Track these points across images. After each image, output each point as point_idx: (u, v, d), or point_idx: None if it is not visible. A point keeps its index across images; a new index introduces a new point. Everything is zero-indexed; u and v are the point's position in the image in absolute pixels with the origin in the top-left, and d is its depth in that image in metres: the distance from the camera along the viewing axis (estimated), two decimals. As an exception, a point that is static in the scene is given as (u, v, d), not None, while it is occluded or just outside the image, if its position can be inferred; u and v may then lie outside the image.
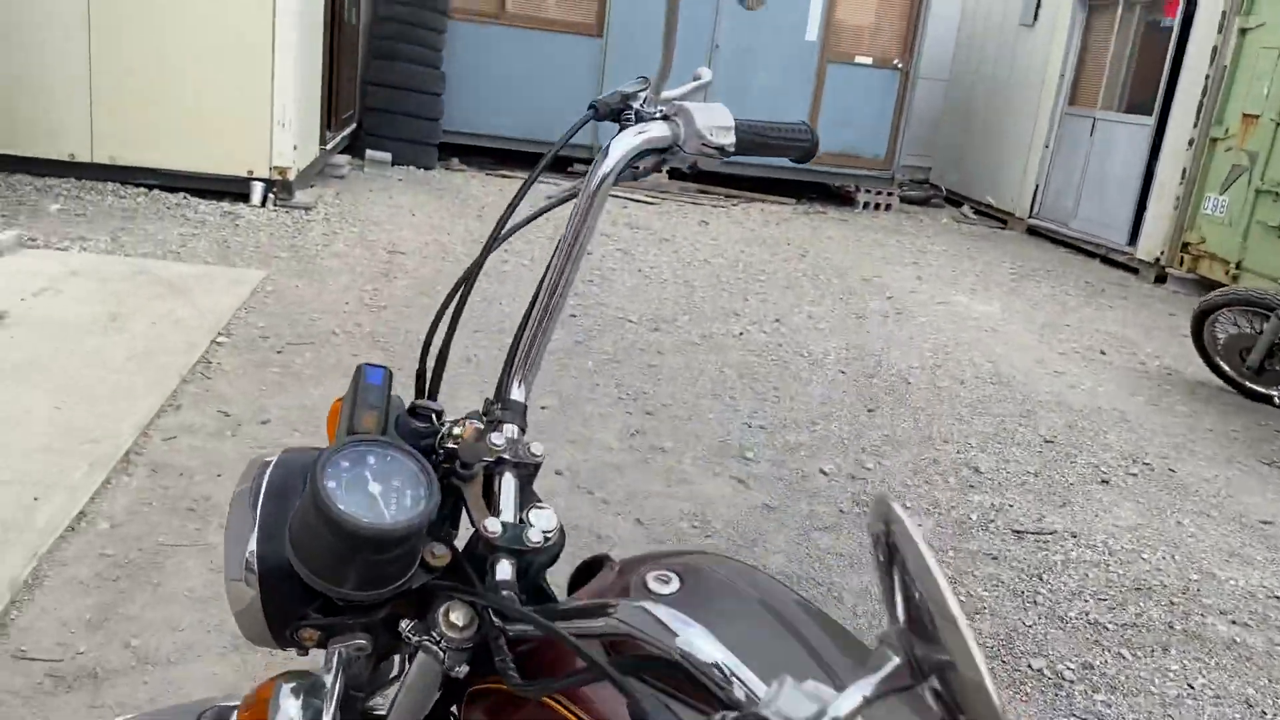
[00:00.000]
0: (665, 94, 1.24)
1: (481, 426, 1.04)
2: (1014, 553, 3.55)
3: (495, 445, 1.02)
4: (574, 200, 1.14)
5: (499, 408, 1.09)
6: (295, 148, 6.71)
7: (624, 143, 1.13)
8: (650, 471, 3.77)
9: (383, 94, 9.05)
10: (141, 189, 6.53)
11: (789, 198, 10.20)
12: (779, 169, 10.01)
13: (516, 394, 1.11)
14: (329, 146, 8.01)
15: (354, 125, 9.20)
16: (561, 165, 9.77)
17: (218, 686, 2.45)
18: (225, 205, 6.52)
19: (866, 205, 10.21)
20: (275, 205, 6.68)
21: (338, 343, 4.57)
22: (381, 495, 0.91)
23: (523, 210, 1.22)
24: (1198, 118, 8.15)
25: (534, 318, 1.12)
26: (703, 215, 8.93)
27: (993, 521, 3.75)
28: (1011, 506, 3.89)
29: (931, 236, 9.28)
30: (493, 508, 1.01)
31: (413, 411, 1.02)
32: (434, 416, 1.03)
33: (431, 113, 9.19)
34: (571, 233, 1.12)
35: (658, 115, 1.19)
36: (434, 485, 0.93)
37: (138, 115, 6.43)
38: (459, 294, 1.14)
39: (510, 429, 1.08)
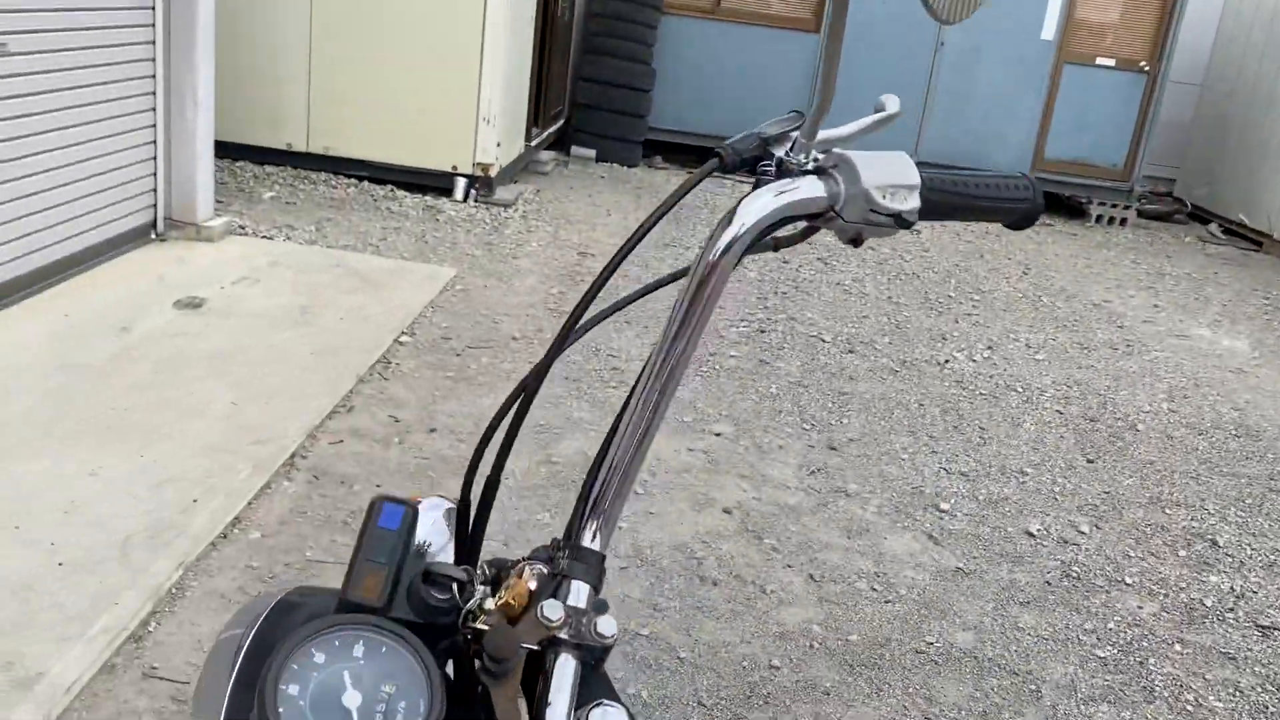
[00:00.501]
0: (825, 133, 0.94)
1: (534, 584, 0.78)
2: (1257, 653, 3.01)
3: (549, 621, 0.75)
4: (682, 282, 0.86)
5: (566, 555, 0.83)
6: (499, 144, 6.68)
7: (757, 206, 0.84)
8: (829, 518, 3.43)
9: (592, 90, 8.98)
10: (352, 180, 6.66)
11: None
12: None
13: (591, 541, 0.85)
14: (534, 142, 7.99)
15: (562, 121, 9.18)
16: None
17: None
18: (429, 199, 6.57)
19: (1099, 219, 9.37)
20: (476, 201, 6.68)
21: (516, 349, 4.45)
22: (361, 711, 0.66)
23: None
24: None
25: (621, 440, 0.85)
26: (915, 225, 8.39)
27: (1232, 611, 3.21)
28: (1256, 593, 3.33)
29: (1172, 257, 8.40)
30: (536, 708, 0.75)
31: (429, 577, 0.77)
32: (455, 587, 0.77)
33: (639, 109, 9.05)
34: (674, 328, 0.84)
35: (809, 167, 0.89)
36: (437, 696, 0.68)
37: (351, 108, 6.56)
38: (515, 406, 0.88)
39: (579, 589, 0.81)
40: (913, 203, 0.88)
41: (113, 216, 4.72)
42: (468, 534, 0.89)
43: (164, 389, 3.60)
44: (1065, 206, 9.48)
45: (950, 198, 0.93)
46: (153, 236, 5.06)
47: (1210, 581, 3.36)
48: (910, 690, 2.66)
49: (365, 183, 6.65)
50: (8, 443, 3.15)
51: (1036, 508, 3.70)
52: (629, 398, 0.86)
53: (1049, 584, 3.22)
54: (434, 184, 6.68)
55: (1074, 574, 3.29)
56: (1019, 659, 2.84)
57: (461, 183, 6.65)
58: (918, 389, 4.67)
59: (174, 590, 2.62)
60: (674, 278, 0.99)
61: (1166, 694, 2.79)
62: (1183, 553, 3.53)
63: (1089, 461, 4.15)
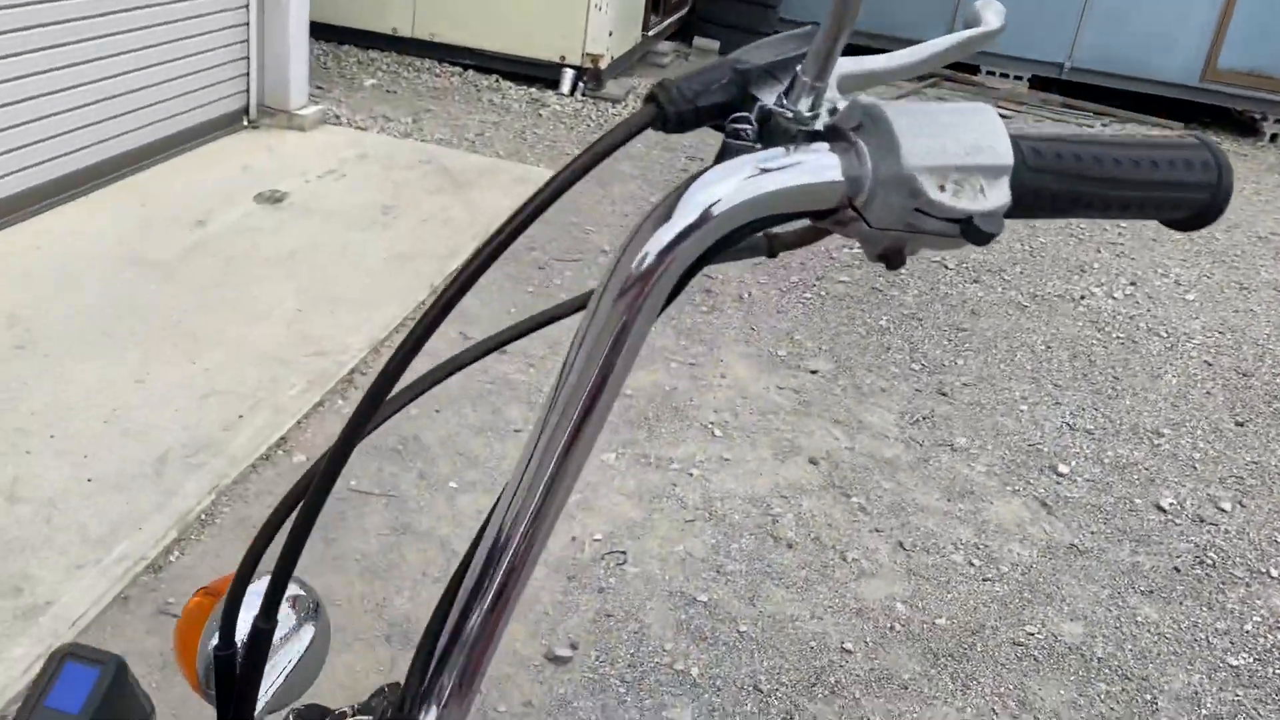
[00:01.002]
0: (852, 66, 0.61)
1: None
2: None
3: None
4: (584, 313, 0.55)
5: None
6: (611, 34, 6.27)
7: (717, 192, 0.52)
8: (929, 476, 3.07)
9: (719, -23, 8.41)
10: (456, 69, 6.37)
11: (1176, 121, 8.62)
12: (1164, 85, 8.45)
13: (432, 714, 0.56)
14: (652, 32, 7.53)
15: (685, 10, 8.65)
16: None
17: (351, 678, 2.12)
18: (534, 91, 6.24)
19: (1274, 139, 8.43)
20: (584, 95, 6.32)
21: (603, 263, 4.14)
22: None
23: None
24: None
25: (484, 572, 0.55)
26: (1063, 136, 7.68)
27: (1397, 620, 2.75)
28: None
29: (1358, 185, 7.50)
30: None
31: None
32: None
33: (769, -1, 8.46)
34: (568, 388, 0.54)
35: (815, 126, 0.56)
36: None
37: (459, -9, 6.23)
38: (295, 514, 0.58)
39: None
40: (996, 198, 0.53)
41: (201, 101, 4.54)
42: (233, 690, 0.61)
43: (229, 289, 3.44)
44: (1236, 123, 8.56)
45: (1069, 184, 0.58)
46: (245, 123, 4.88)
47: (1373, 580, 2.90)
48: (1002, 691, 2.33)
49: (470, 72, 6.35)
50: (64, 341, 3.03)
51: (1171, 477, 3.26)
52: (486, 519, 0.56)
53: (1178, 570, 2.82)
54: (540, 75, 6.33)
55: (1209, 560, 2.87)
56: (1134, 661, 2.48)
57: (569, 74, 6.28)
58: (1047, 328, 4.20)
59: (204, 516, 2.46)
60: (575, 308, 0.67)
61: (1309, 718, 2.39)
62: (1342, 542, 3.06)
63: (1238, 424, 3.65)
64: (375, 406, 0.53)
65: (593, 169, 0.53)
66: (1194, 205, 0.61)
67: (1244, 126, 8.64)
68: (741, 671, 2.28)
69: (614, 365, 0.53)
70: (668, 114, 0.55)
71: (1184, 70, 8.39)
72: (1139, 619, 2.62)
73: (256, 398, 2.89)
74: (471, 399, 3.08)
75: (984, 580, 2.68)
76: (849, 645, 2.40)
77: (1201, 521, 3.05)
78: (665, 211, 0.51)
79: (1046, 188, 0.57)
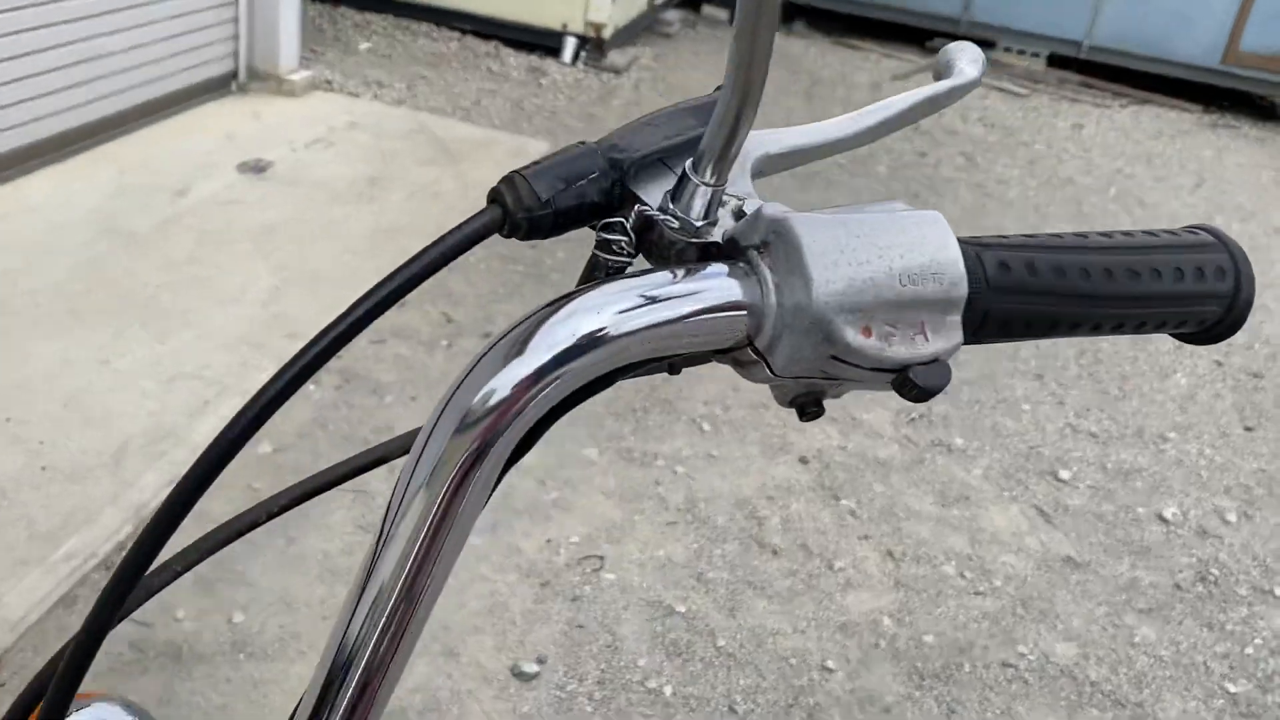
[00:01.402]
0: (768, 144, 0.50)
1: None
2: None
3: None
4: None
5: None
6: (614, 1, 6.10)
7: (580, 324, 0.40)
8: (923, 479, 2.96)
9: (731, -57, 8.19)
10: (455, 34, 6.20)
11: (1194, 104, 8.41)
12: (1183, 67, 8.24)
13: None
14: (660, 1, 7.34)
15: (695, -24, 8.45)
16: (918, 39, 8.57)
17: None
18: (534, 60, 6.07)
19: (1296, 124, 8.23)
20: (586, 65, 6.15)
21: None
22: None
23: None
24: None
25: None
26: (1079, 117, 7.49)
27: (1406, 645, 2.64)
28: None
29: (1379, 175, 7.31)
30: None
31: None
32: None
33: (781, -32, 8.24)
34: (387, 572, 0.43)
35: (710, 237, 0.44)
36: None
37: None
38: None
39: None
40: (943, 340, 0.42)
41: (186, 64, 4.40)
42: None
43: (204, 265, 3.32)
44: (1256, 107, 8.36)
45: (1047, 304, 0.46)
46: (233, 88, 4.74)
47: (1382, 602, 2.79)
48: (988, 716, 2.23)
49: (469, 37, 6.18)
50: (29, 316, 2.91)
51: (1175, 484, 3.14)
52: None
53: (1178, 588, 2.71)
54: (541, 43, 6.16)
55: (1211, 577, 2.76)
56: (1129, 685, 2.37)
57: (571, 43, 6.11)
58: (1052, 322, 4.06)
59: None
60: (377, 461, 0.55)
61: (1310, 751, 2.29)
62: (1351, 559, 2.94)
63: (1247, 429, 3.53)
64: (121, 599, 0.41)
65: (409, 292, 0.42)
66: (1205, 318, 0.49)
67: (1265, 111, 8.44)
68: (717, 691, 2.18)
69: (440, 540, 0.41)
70: (514, 219, 0.43)
71: (1205, 52, 8.18)
72: (1136, 639, 2.51)
73: (225, 383, 2.78)
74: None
75: (975, 593, 2.57)
76: (831, 663, 2.29)
77: (1205, 534, 2.93)
78: (515, 346, 0.39)
79: (1017, 312, 0.45)
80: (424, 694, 2.05)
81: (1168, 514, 2.98)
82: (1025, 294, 0.45)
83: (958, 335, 0.42)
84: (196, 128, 4.30)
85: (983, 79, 0.61)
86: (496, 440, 0.40)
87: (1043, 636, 2.47)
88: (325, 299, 3.24)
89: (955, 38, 8.82)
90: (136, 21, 4.05)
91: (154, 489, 2.39)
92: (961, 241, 0.45)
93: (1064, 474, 3.09)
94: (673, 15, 7.73)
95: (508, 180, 0.45)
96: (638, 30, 7.00)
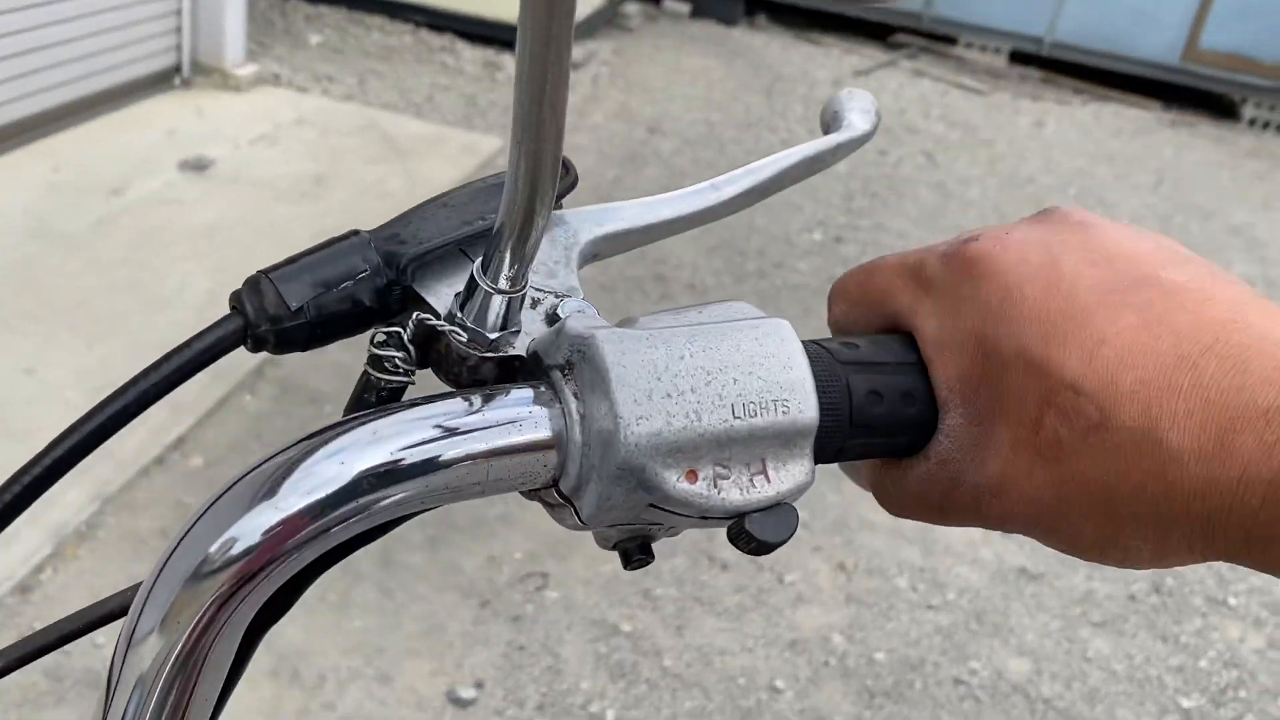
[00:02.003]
0: (591, 225, 0.43)
1: None
2: (1385, 719, 2.44)
3: None
4: None
5: None
6: (573, -5, 5.99)
7: (351, 463, 0.33)
8: (877, 489, 2.90)
9: (693, -64, 8.12)
10: (408, 26, 6.08)
11: (1154, 101, 8.44)
12: (1144, 64, 8.26)
13: None
14: (620, -7, 7.26)
15: (657, -31, 8.36)
16: (879, 34, 8.53)
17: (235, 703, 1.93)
18: (490, 54, 5.97)
19: (1253, 123, 8.27)
20: (543, 58, 6.05)
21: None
22: None
23: None
24: None
25: None
26: (1040, 114, 7.48)
27: (1359, 656, 2.62)
28: (1392, 631, 2.73)
29: (1334, 173, 7.37)
30: None
31: None
32: None
33: (744, -40, 8.19)
34: None
35: (509, 351, 0.37)
36: None
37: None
38: None
39: None
40: (787, 478, 0.36)
41: (127, 58, 4.26)
42: None
43: (139, 268, 3.20)
44: (1214, 105, 8.40)
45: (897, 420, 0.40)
46: (175, 83, 4.60)
47: (1335, 611, 2.77)
48: (939, 736, 2.18)
49: (423, 30, 6.06)
50: (-50, 323, 2.79)
51: (1131, 492, 3.11)
52: None
53: (1133, 599, 2.67)
54: (497, 36, 6.05)
55: (1165, 588, 2.73)
56: (1082, 701, 2.33)
57: (528, 38, 6.00)
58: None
59: (83, 529, 2.25)
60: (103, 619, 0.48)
61: (1263, 767, 2.26)
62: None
63: (1203, 433, 3.51)
64: None
65: (136, 416, 0.35)
66: None
67: (1223, 109, 8.48)
68: (662, 714, 2.11)
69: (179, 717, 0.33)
70: (258, 332, 0.36)
71: (1165, 50, 8.22)
72: (1090, 654, 2.47)
73: (155, 393, 2.67)
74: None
75: (928, 608, 2.52)
76: (780, 683, 2.23)
77: (1160, 543, 2.90)
78: (265, 486, 0.32)
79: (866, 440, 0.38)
80: (355, 723, 1.97)
81: (1123, 522, 2.95)
82: (875, 424, 0.38)
83: (806, 472, 0.36)
84: (136, 124, 4.16)
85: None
86: (239, 597, 0.32)
87: (996, 652, 2.42)
88: (265, 303, 3.14)
89: (918, 33, 8.79)
90: (72, 13, 3.92)
91: (76, 506, 2.28)
92: (813, 345, 0.38)
93: (1019, 482, 3.05)
94: (632, 9, 7.65)
95: (251, 284, 0.37)
96: (597, 24, 6.90)
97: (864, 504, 2.83)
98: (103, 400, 0.36)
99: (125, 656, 0.33)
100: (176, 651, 0.33)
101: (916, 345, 0.39)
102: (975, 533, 2.80)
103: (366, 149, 4.35)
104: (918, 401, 0.39)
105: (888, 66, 7.72)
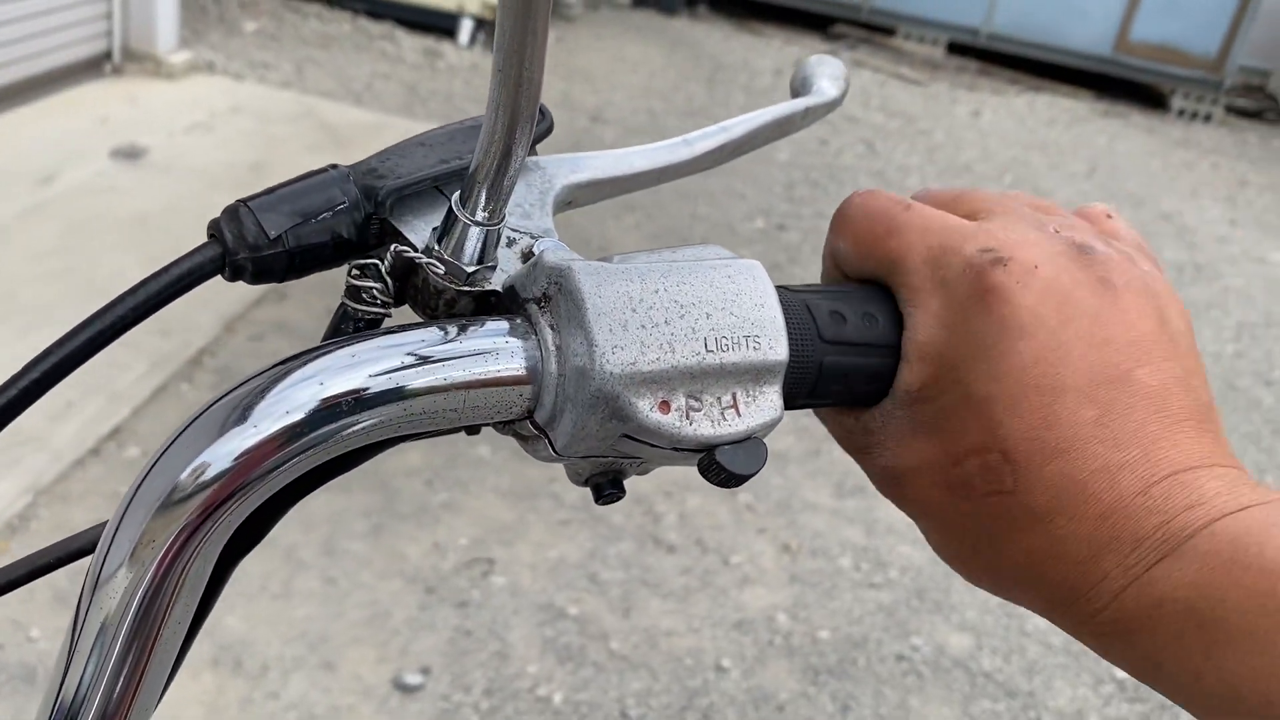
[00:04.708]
0: (568, 172, 0.43)
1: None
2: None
3: None
4: None
5: None
6: (513, -17, 5.97)
7: (328, 385, 0.34)
8: (820, 470, 2.94)
9: (633, -75, 8.12)
10: (347, 14, 6.01)
11: (1087, 91, 8.62)
12: (1077, 55, 8.43)
13: None
14: (561, -18, 7.23)
15: (598, -41, 8.35)
16: (820, 25, 8.60)
17: (169, 711, 1.91)
18: (430, 42, 5.92)
19: (1181, 113, 8.48)
20: (483, 48, 6.02)
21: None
22: None
23: None
24: None
25: None
26: (977, 104, 7.60)
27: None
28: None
29: (1257, 163, 7.58)
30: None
31: None
32: None
33: (684, -49, 8.20)
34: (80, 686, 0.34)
35: (485, 285, 0.38)
36: None
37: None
38: None
39: None
40: (758, 413, 0.36)
41: (55, 44, 4.16)
42: None
43: (70, 257, 3.13)
44: (1144, 95, 8.60)
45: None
46: (107, 70, 4.50)
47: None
48: (882, 711, 2.22)
49: (362, 18, 5.99)
50: None
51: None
52: None
53: (1069, 574, 2.73)
54: (438, 24, 6.01)
55: (1100, 562, 2.80)
56: (1021, 674, 2.38)
57: (467, 25, 5.97)
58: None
59: (15, 521, 2.20)
60: (70, 556, 0.47)
61: (1193, 733, 2.33)
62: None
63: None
64: None
65: (111, 341, 0.35)
66: None
67: (1154, 99, 8.69)
68: (609, 696, 2.12)
69: (141, 651, 0.33)
70: (236, 260, 0.36)
71: (1097, 41, 8.39)
72: (1027, 628, 2.52)
73: (88, 384, 2.61)
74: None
75: (870, 586, 2.56)
76: (726, 662, 2.25)
77: (1095, 519, 2.97)
78: (237, 410, 0.32)
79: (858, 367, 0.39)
80: (299, 710, 1.95)
81: (1059, 500, 3.02)
82: (845, 351, 0.39)
83: (775, 408, 0.36)
84: (65, 111, 4.07)
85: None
86: (210, 524, 0.32)
87: (937, 628, 2.47)
88: (199, 293, 3.08)
89: (857, 24, 8.86)
90: (-3, -3, 3.82)
91: (9, 497, 2.23)
92: (786, 291, 0.39)
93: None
94: (574, -2, 7.63)
95: (230, 211, 0.37)
96: (538, 13, 6.87)
97: (807, 486, 2.86)
98: (78, 324, 0.36)
99: (95, 589, 0.33)
100: (146, 582, 0.32)
101: (898, 320, 0.40)
102: (916, 512, 2.85)
103: (305, 137, 4.29)
104: (881, 380, 0.40)
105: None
